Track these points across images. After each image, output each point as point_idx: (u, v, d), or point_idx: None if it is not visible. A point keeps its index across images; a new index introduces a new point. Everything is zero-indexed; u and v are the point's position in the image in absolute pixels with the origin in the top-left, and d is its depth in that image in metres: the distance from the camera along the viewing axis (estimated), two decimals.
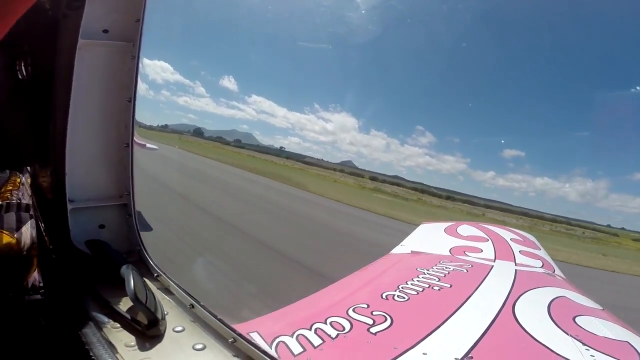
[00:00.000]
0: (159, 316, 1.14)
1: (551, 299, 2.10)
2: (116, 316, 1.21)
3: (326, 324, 1.69)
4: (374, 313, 1.80)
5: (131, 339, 1.12)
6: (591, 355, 1.38)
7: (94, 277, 1.41)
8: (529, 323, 1.72)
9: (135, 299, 1.11)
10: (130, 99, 1.55)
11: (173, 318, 1.24)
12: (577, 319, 1.78)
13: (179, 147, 40.37)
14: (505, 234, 4.17)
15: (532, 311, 1.89)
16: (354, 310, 1.82)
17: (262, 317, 1.85)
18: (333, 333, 1.61)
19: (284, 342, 1.54)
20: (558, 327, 1.66)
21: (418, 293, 2.13)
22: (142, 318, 1.12)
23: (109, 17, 1.41)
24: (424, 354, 1.44)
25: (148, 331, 1.11)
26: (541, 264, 3.12)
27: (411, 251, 3.29)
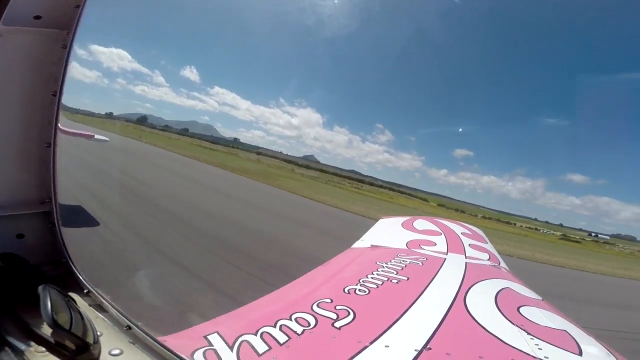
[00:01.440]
0: (90, 339, 1.02)
1: (497, 290, 2.28)
2: (39, 339, 1.05)
3: (291, 320, 1.67)
4: (337, 307, 1.83)
5: None
6: (535, 344, 1.52)
7: (11, 295, 1.21)
8: (479, 314, 1.85)
9: (54, 324, 0.96)
10: (55, 92, 1.37)
11: (109, 339, 1.12)
12: (521, 309, 1.95)
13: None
14: (457, 228, 4.45)
15: (481, 302, 2.03)
16: (318, 306, 1.83)
17: (222, 317, 1.78)
18: (299, 329, 1.60)
19: (247, 341, 1.49)
20: (505, 317, 1.81)
21: (378, 286, 2.20)
22: (70, 343, 0.99)
23: (44, 2, 1.24)
24: (386, 346, 1.49)
25: (78, 357, 0.99)
26: (488, 257, 3.38)
27: (371, 245, 3.38)
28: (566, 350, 1.53)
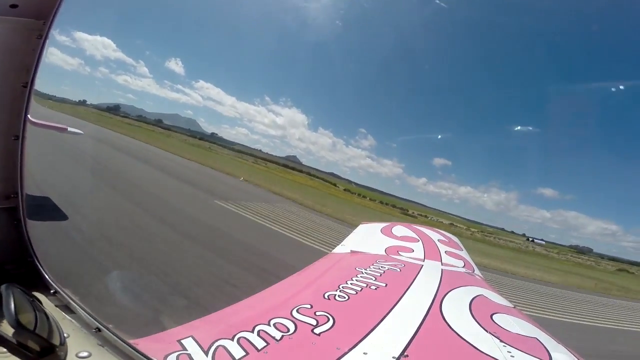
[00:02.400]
0: (56, 341, 0.98)
1: (472, 297, 2.35)
2: (0, 340, 0.97)
3: (270, 325, 1.65)
4: (317, 313, 1.82)
5: None
6: (508, 352, 1.57)
7: None
8: (454, 320, 1.89)
9: (16, 325, 0.91)
10: (26, 83, 1.31)
11: (76, 341, 1.08)
12: (494, 317, 2.02)
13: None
14: (433, 234, 4.56)
15: (456, 309, 2.09)
16: (297, 311, 1.82)
17: (197, 321, 1.73)
18: (277, 335, 1.58)
19: (223, 346, 1.46)
20: (479, 324, 1.86)
21: (357, 292, 2.22)
22: (34, 344, 0.94)
23: None
24: (364, 353, 1.50)
25: (42, 359, 0.95)
26: (463, 264, 3.48)
27: (351, 250, 3.41)
28: (537, 357, 1.59)
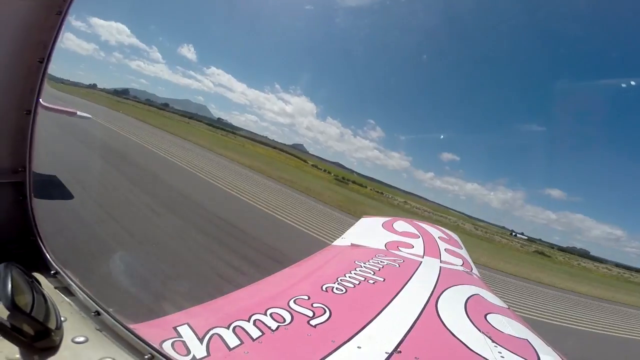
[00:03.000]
0: (52, 325, 0.95)
1: (468, 296, 2.36)
2: None
3: (266, 315, 1.68)
4: (314, 305, 1.84)
5: (14, 350, 0.91)
6: (499, 352, 1.58)
7: None
8: (448, 319, 1.91)
9: (12, 306, 0.88)
10: (42, 59, 1.30)
11: (73, 325, 1.05)
12: (488, 317, 2.03)
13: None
14: (434, 231, 4.56)
15: (452, 308, 2.10)
16: (294, 302, 1.84)
17: (194, 308, 1.75)
18: (273, 325, 1.60)
19: (218, 334, 1.48)
20: (472, 324, 1.87)
21: (355, 286, 2.23)
22: (28, 328, 0.91)
23: None
24: (358, 347, 1.52)
25: (36, 343, 0.92)
26: (462, 262, 3.49)
27: (351, 244, 3.42)
28: (525, 359, 1.60)
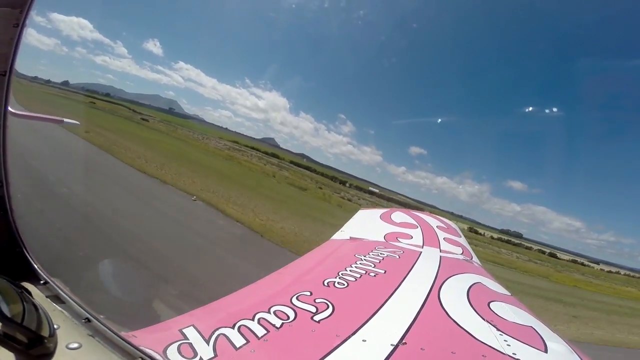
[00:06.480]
0: (45, 332, 0.95)
1: (470, 285, 2.37)
2: None
3: (270, 313, 1.67)
4: (316, 300, 1.84)
5: (9, 356, 0.92)
6: (504, 340, 1.59)
7: None
8: (451, 308, 1.91)
9: (2, 317, 0.89)
10: (5, 72, 1.29)
11: (66, 332, 1.06)
12: (491, 305, 2.04)
13: None
14: (432, 221, 4.57)
15: (454, 297, 2.11)
16: (297, 299, 1.83)
17: (198, 309, 1.75)
18: (277, 322, 1.60)
19: (224, 334, 1.48)
20: (476, 312, 1.88)
21: (356, 279, 2.23)
22: (21, 336, 0.92)
23: None
24: (363, 340, 1.52)
25: (31, 350, 0.93)
26: (461, 251, 3.50)
27: (350, 237, 3.42)
28: (533, 347, 1.61)
